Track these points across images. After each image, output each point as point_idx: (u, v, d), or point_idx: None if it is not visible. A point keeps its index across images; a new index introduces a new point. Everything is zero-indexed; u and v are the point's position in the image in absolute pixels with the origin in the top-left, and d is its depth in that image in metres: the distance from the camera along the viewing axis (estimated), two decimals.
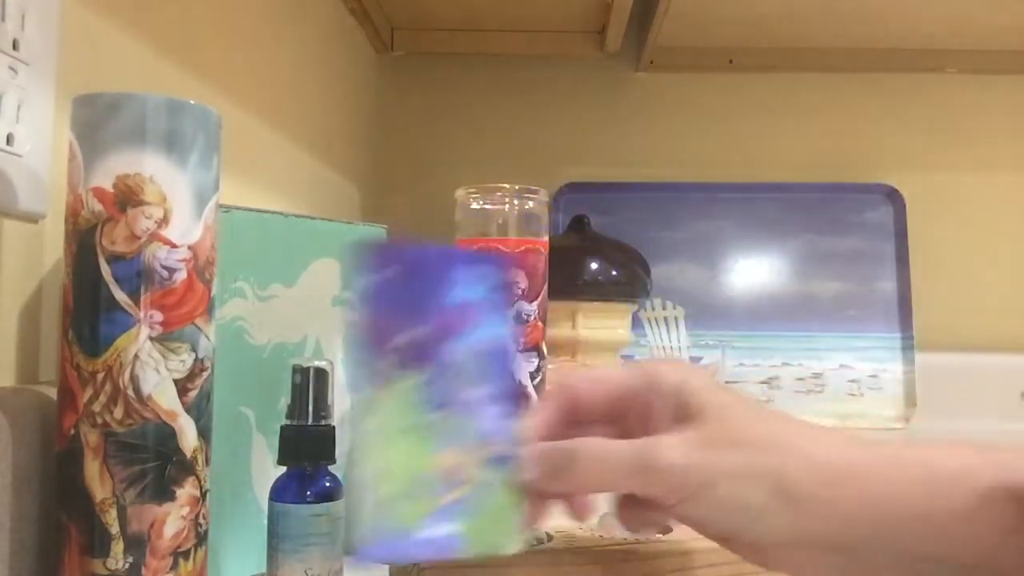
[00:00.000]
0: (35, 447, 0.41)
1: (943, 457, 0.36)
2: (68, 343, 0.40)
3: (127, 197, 0.39)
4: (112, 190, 0.39)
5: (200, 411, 0.41)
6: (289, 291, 0.56)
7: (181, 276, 0.40)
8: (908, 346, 1.26)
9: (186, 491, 0.41)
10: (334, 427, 0.48)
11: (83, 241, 0.40)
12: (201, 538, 0.42)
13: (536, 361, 0.60)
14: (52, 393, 0.42)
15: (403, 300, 0.40)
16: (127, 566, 0.39)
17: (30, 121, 0.46)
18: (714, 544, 0.42)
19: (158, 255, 0.40)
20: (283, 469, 0.47)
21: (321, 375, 0.47)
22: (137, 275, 0.39)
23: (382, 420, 0.38)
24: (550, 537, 0.43)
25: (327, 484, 0.47)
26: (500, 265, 0.44)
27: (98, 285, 0.39)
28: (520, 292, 0.60)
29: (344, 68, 1.18)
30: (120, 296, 0.39)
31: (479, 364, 0.41)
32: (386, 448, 0.38)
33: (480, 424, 0.40)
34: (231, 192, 0.51)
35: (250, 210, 0.55)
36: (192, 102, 0.41)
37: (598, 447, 0.37)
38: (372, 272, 0.39)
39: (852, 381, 1.26)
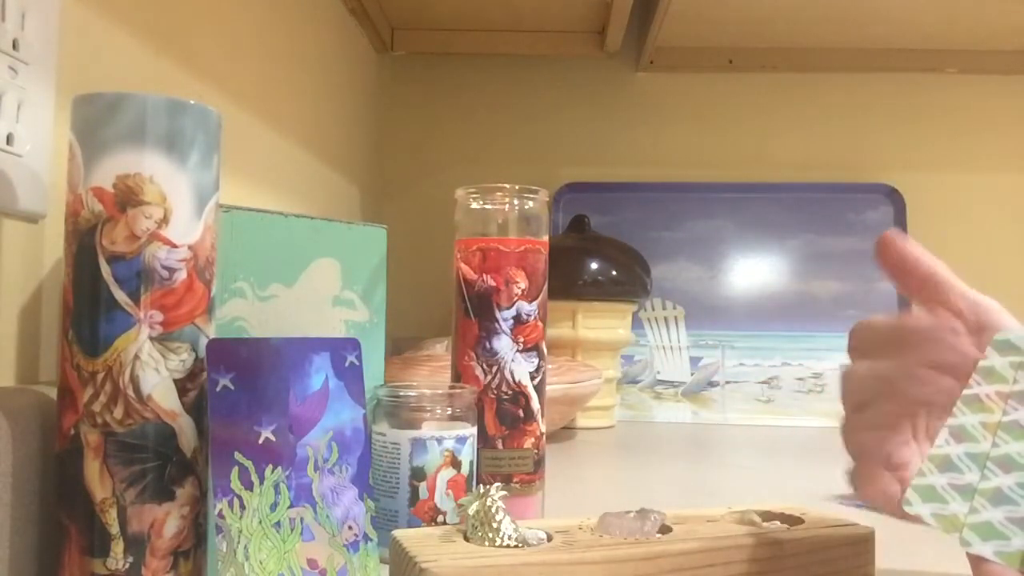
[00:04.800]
0: (35, 447, 0.41)
1: None
2: (68, 343, 0.40)
3: (127, 197, 0.39)
4: (112, 190, 0.39)
5: (200, 411, 0.41)
6: (289, 291, 0.56)
7: (181, 276, 0.40)
8: None
9: (186, 491, 0.41)
10: None
11: (83, 241, 0.40)
12: (201, 538, 0.42)
13: (536, 361, 0.60)
14: (52, 393, 0.42)
15: (252, 400, 0.42)
16: (127, 566, 0.39)
17: (30, 121, 0.46)
18: (712, 545, 0.42)
19: (158, 255, 0.40)
20: None
21: None
22: (137, 275, 0.39)
23: (251, 519, 0.41)
24: (550, 537, 0.43)
25: None
26: (343, 347, 0.45)
27: (98, 285, 0.39)
28: (520, 292, 0.60)
29: (344, 68, 1.18)
30: (120, 296, 0.39)
31: (334, 451, 0.44)
32: (257, 545, 0.41)
33: (338, 511, 0.43)
34: (231, 192, 0.51)
35: (250, 210, 0.55)
36: (192, 102, 0.41)
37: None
38: (216, 376, 0.41)
39: None
